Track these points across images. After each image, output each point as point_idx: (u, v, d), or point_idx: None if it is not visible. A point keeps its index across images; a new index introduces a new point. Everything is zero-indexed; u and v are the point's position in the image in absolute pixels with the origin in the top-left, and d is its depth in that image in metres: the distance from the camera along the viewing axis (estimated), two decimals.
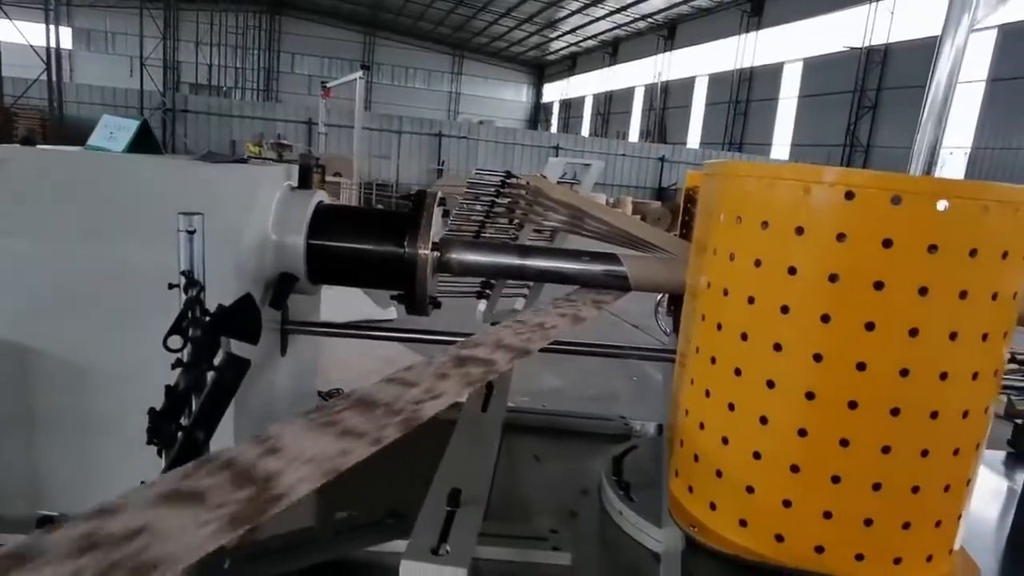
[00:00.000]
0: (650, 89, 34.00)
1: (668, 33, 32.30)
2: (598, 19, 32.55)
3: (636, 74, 35.70)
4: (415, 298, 1.42)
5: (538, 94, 46.32)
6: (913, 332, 0.70)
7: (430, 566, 1.19)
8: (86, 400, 1.23)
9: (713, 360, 0.83)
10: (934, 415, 0.73)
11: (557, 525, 1.47)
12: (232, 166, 1.40)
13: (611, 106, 38.85)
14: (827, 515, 0.75)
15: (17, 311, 1.23)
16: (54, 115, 16.87)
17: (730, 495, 0.81)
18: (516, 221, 2.38)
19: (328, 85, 17.15)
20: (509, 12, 32.39)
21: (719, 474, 0.82)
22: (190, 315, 0.96)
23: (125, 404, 1.02)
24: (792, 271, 0.74)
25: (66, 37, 31.98)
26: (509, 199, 2.25)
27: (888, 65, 22.44)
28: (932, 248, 0.68)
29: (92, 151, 1.42)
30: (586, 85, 41.39)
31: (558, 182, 2.74)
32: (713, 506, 0.83)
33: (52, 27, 15.75)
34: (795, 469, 0.75)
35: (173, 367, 1.01)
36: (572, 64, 42.67)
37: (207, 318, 0.91)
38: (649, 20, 31.91)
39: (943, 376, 0.72)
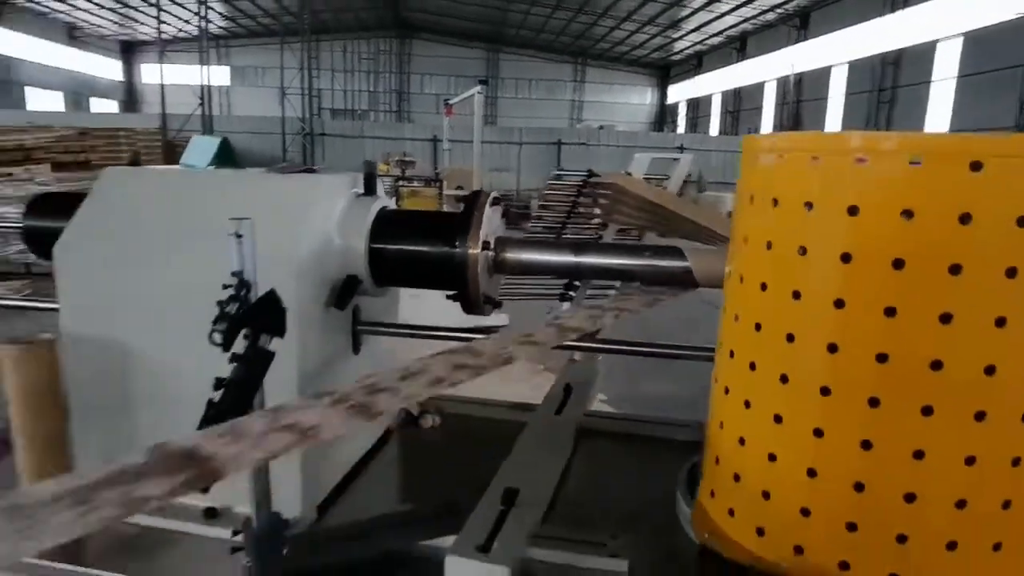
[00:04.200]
0: (782, 83, 32.12)
1: (800, 23, 30.37)
2: (724, 15, 31.29)
3: (766, 68, 33.93)
4: (469, 297, 1.43)
5: (663, 96, 45.28)
6: (1000, 322, 0.60)
7: (474, 563, 1.19)
8: (171, 392, 1.35)
9: (732, 354, 0.77)
10: (979, 416, 0.62)
11: (621, 533, 1.42)
12: (298, 176, 1.49)
13: (741, 103, 37.17)
14: (851, 527, 0.67)
15: (112, 314, 1.38)
16: None
17: (747, 501, 0.74)
18: (599, 222, 2.34)
19: (450, 102, 17.80)
20: (630, 16, 31.95)
21: (736, 478, 0.75)
22: (235, 312, 1.03)
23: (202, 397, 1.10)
24: (846, 258, 0.66)
25: (225, 75, 35.66)
26: (591, 199, 2.22)
27: None
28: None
29: (184, 168, 1.58)
30: (713, 83, 39.93)
31: (645, 178, 2.67)
32: (732, 512, 0.77)
33: (205, 68, 17.62)
34: (812, 473, 0.68)
35: (230, 361, 1.09)
36: (698, 63, 41.34)
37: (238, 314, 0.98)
38: (779, 11, 30.22)
39: (989, 370, 0.61)
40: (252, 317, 1.00)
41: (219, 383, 1.01)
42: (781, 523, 0.71)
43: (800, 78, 30.94)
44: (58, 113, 26.62)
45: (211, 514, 1.40)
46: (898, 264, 0.61)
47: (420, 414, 1.98)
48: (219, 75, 33.77)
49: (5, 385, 1.34)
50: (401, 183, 9.91)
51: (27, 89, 33.05)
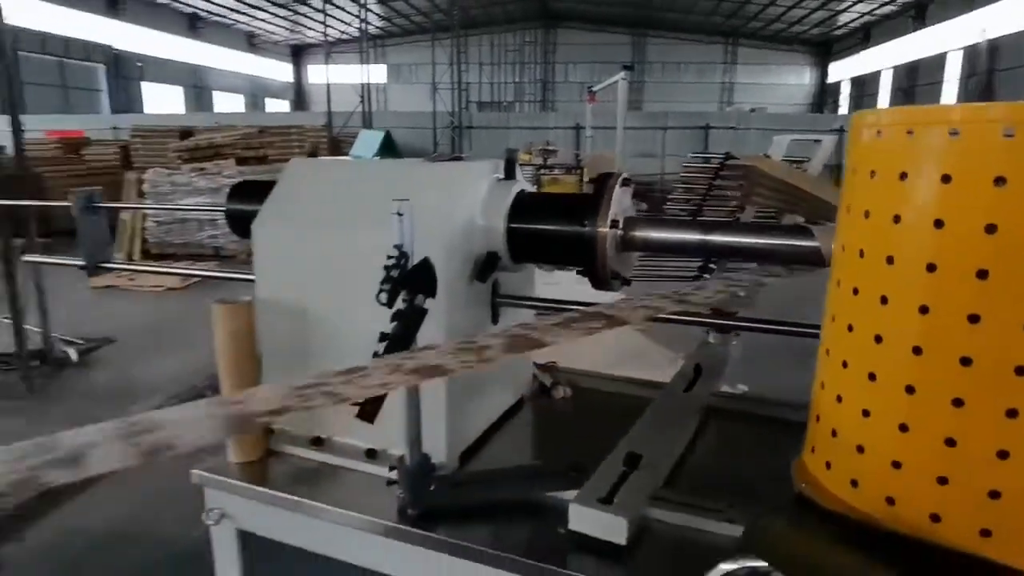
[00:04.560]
0: (970, 52, 28.68)
1: None
2: None
3: (950, 36, 30.38)
4: (597, 273, 1.55)
5: (823, 75, 42.16)
6: None
7: (596, 512, 1.32)
8: (343, 345, 1.59)
9: (833, 319, 0.82)
10: None
11: (739, 503, 1.48)
12: (447, 163, 1.68)
13: (916, 78, 33.68)
14: (942, 481, 0.71)
15: (297, 280, 1.64)
16: None
17: (842, 454, 0.80)
18: (736, 204, 2.35)
19: (593, 89, 17.78)
20: None
21: (834, 433, 0.82)
22: (395, 276, 1.22)
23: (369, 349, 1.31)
24: (938, 224, 0.70)
25: (382, 73, 37.96)
26: (736, 182, 2.24)
27: None
28: None
29: (354, 158, 1.82)
30: (882, 58, 36.46)
31: (784, 160, 2.62)
32: (828, 465, 0.83)
33: (365, 67, 18.95)
34: (904, 428, 0.73)
35: (392, 320, 1.29)
36: (864, 36, 37.94)
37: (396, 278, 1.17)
38: None
39: None
40: (410, 280, 1.19)
41: (383, 336, 1.21)
42: (874, 475, 0.76)
43: (994, 45, 27.46)
44: (239, 114, 29.79)
45: (371, 454, 1.63)
46: (991, 229, 0.64)
47: (552, 385, 2.12)
48: (377, 73, 36.05)
49: (215, 337, 1.65)
50: (542, 171, 10.16)
51: (215, 93, 37.25)
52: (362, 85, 18.86)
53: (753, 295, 1.55)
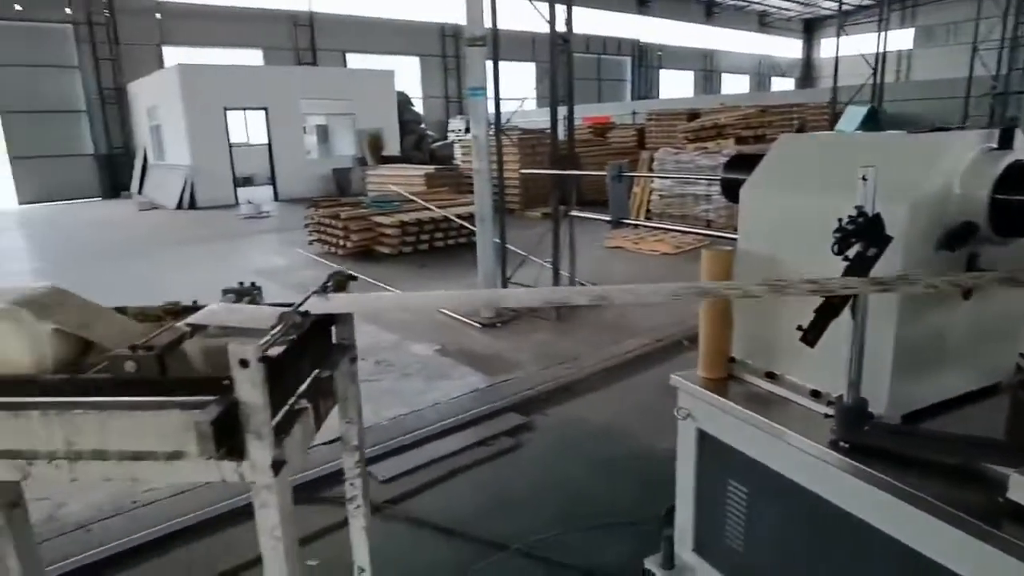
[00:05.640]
0: None
1: None
2: None
3: None
4: None
5: None
6: None
7: None
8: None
9: None
10: None
11: None
12: (927, 135, 1.73)
13: None
14: None
15: (772, 234, 1.96)
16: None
17: None
18: None
19: None
20: None
21: None
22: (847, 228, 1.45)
23: None
24: None
25: (909, 38, 33.55)
26: None
27: None
28: None
29: (838, 132, 2.02)
30: None
31: None
32: None
33: (882, 36, 17.23)
34: None
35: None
36: None
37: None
38: None
39: None
40: (860, 232, 1.39)
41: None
42: None
43: None
44: (742, 94, 30.51)
45: (816, 394, 1.87)
46: None
47: None
48: (902, 39, 32.09)
49: (702, 275, 2.10)
50: None
51: (723, 76, 38.88)
52: (876, 55, 17.20)
53: None
